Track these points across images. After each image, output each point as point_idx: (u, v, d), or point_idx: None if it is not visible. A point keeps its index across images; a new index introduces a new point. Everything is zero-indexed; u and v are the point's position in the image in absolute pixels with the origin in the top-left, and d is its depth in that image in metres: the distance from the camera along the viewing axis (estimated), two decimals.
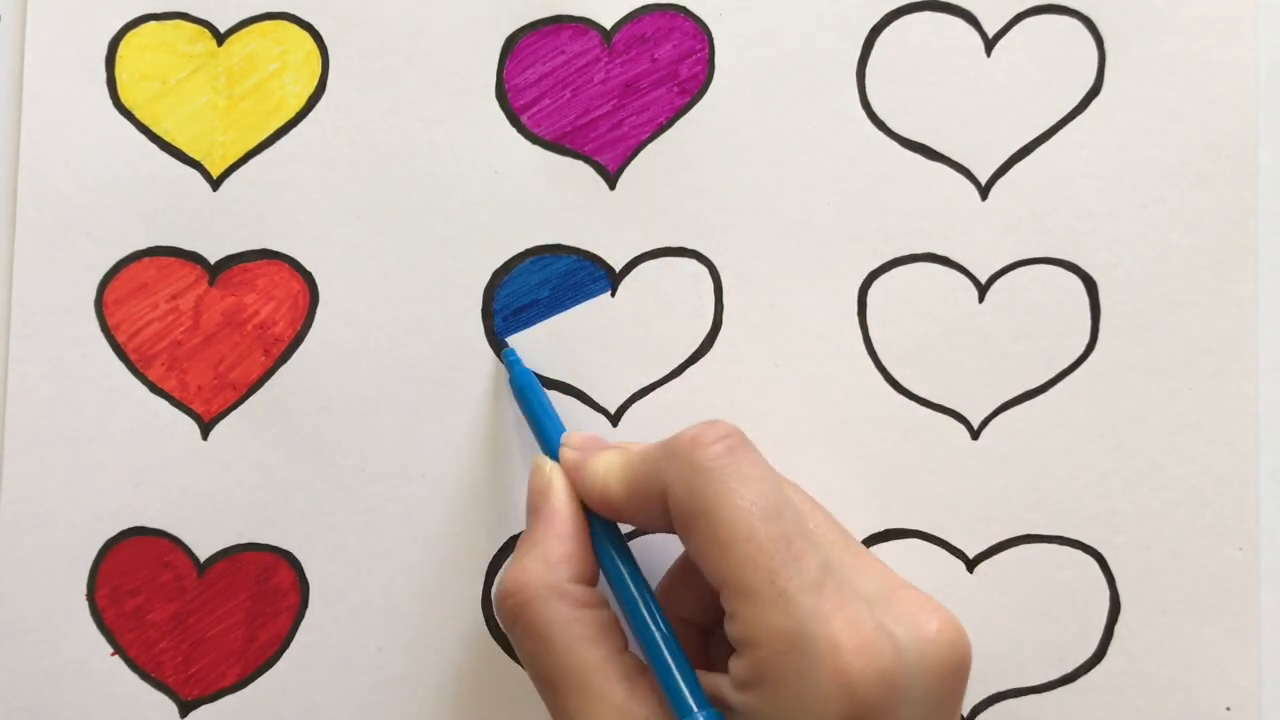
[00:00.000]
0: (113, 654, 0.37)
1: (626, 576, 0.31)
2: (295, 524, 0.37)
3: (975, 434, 0.36)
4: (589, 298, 0.37)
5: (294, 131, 0.38)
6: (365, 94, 0.38)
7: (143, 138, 0.38)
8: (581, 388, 0.37)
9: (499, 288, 0.37)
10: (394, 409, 0.37)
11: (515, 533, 0.37)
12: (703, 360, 0.37)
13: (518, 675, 0.36)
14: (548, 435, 0.34)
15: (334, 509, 0.37)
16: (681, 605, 0.32)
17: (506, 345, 0.36)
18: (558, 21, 0.37)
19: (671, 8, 0.37)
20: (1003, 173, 0.37)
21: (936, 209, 0.37)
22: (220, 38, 0.38)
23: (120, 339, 0.38)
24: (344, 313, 0.37)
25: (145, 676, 0.37)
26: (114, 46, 0.38)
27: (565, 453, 0.33)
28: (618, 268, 0.37)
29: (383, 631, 0.37)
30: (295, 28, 0.38)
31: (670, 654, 0.29)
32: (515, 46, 0.37)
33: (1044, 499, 0.36)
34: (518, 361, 0.36)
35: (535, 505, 0.32)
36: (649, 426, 0.37)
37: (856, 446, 0.36)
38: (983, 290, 0.36)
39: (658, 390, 0.37)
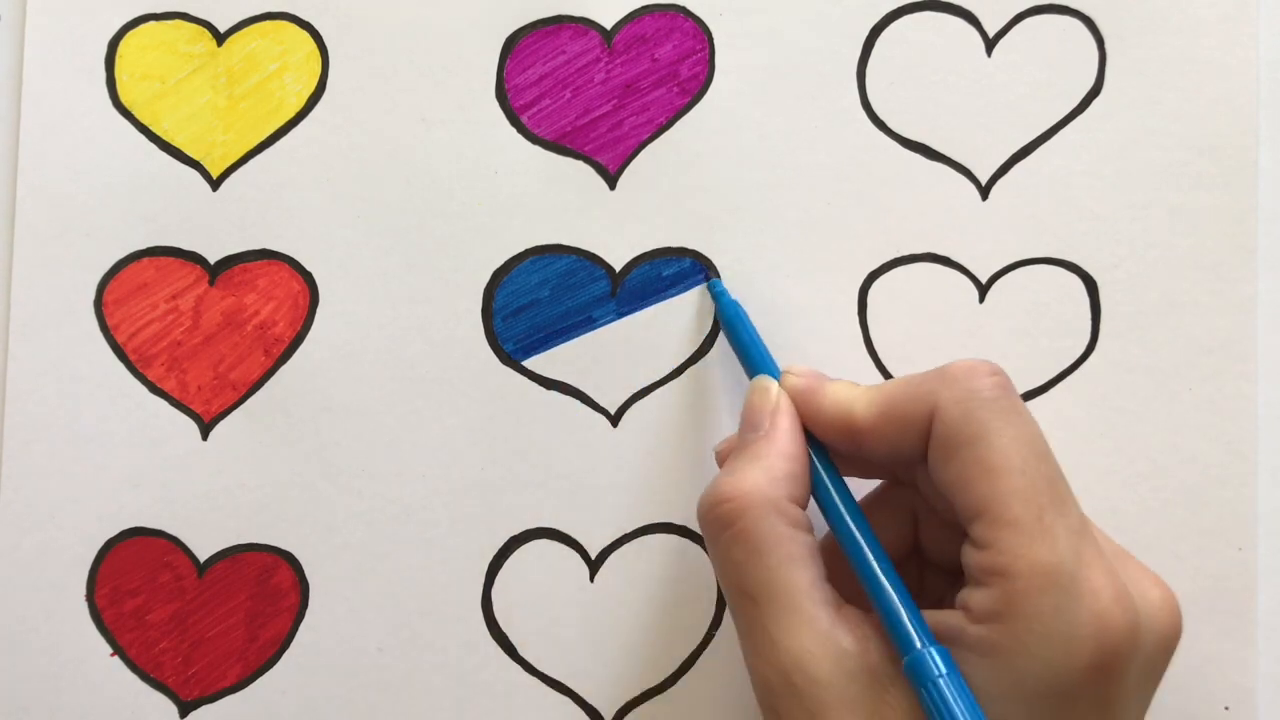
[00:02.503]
0: (112, 654, 0.37)
1: (844, 508, 0.30)
2: (295, 524, 0.37)
3: None
4: (589, 298, 0.37)
5: (294, 131, 0.38)
6: (365, 94, 0.38)
7: (142, 138, 0.38)
8: (581, 388, 0.37)
9: (499, 288, 0.37)
10: (394, 409, 0.37)
11: (515, 533, 0.37)
12: (703, 360, 0.37)
13: (518, 675, 0.36)
14: (764, 361, 0.33)
15: (334, 509, 0.37)
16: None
17: (712, 277, 0.36)
18: (558, 21, 0.37)
19: (671, 8, 0.37)
20: (1003, 173, 0.37)
21: (936, 209, 0.37)
22: (220, 38, 0.38)
23: (120, 339, 0.38)
24: (344, 313, 0.37)
25: (145, 677, 0.37)
26: (114, 46, 0.38)
27: (791, 379, 0.32)
28: (618, 268, 0.37)
29: (383, 631, 0.37)
30: (295, 28, 0.38)
31: (893, 586, 0.28)
32: (515, 46, 0.37)
33: None
34: (724, 293, 0.36)
35: (757, 422, 0.31)
36: (649, 426, 0.37)
37: None
38: (983, 290, 0.36)
39: (658, 390, 0.37)
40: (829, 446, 0.31)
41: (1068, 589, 0.26)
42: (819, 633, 0.27)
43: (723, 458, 0.33)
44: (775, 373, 0.33)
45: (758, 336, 0.35)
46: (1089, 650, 0.26)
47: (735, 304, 0.36)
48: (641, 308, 0.37)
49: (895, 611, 0.28)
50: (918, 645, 0.27)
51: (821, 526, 0.30)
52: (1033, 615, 0.26)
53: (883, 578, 0.28)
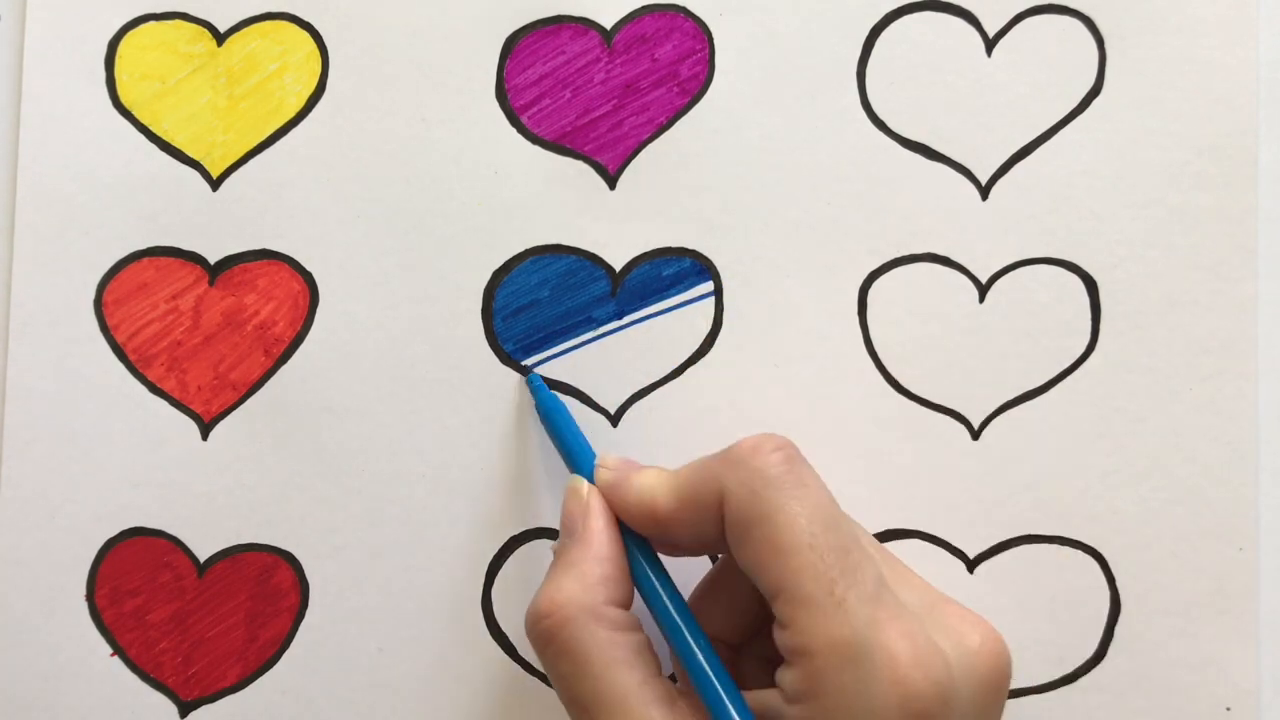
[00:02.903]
0: (112, 654, 0.37)
1: (665, 597, 0.30)
2: (295, 524, 0.37)
3: (975, 434, 0.36)
4: (589, 298, 0.37)
5: (294, 131, 0.38)
6: (365, 94, 0.38)
7: (142, 138, 0.38)
8: (581, 388, 0.37)
9: (499, 288, 0.37)
10: (394, 409, 0.37)
11: (515, 533, 0.37)
12: (703, 360, 0.37)
13: (518, 675, 0.36)
14: (579, 458, 0.33)
15: (334, 509, 0.37)
16: (710, 623, 0.32)
17: (530, 370, 0.36)
18: (558, 21, 0.37)
19: (671, 8, 0.37)
20: (1003, 173, 0.37)
21: (936, 209, 0.37)
22: (220, 38, 0.38)
23: (120, 339, 0.38)
24: (344, 313, 0.37)
25: (145, 677, 0.37)
26: (114, 46, 0.38)
27: (602, 473, 0.32)
28: (618, 268, 0.37)
29: (383, 631, 0.37)
30: (295, 28, 0.38)
31: (715, 674, 0.28)
32: (515, 46, 0.37)
33: (1044, 499, 0.36)
34: (542, 386, 0.36)
35: (571, 527, 0.31)
36: (649, 426, 0.37)
37: (856, 446, 0.36)
38: (983, 290, 0.36)
39: (658, 390, 0.37)
40: (645, 536, 0.31)
41: (864, 660, 0.26)
42: None
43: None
44: (590, 466, 0.33)
45: (577, 431, 0.35)
46: (896, 718, 0.26)
47: (553, 397, 0.36)
48: (641, 308, 0.37)
49: (715, 696, 0.28)
50: None
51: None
52: (835, 691, 0.26)
53: (703, 664, 0.29)
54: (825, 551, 0.27)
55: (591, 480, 0.32)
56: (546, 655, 0.29)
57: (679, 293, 0.37)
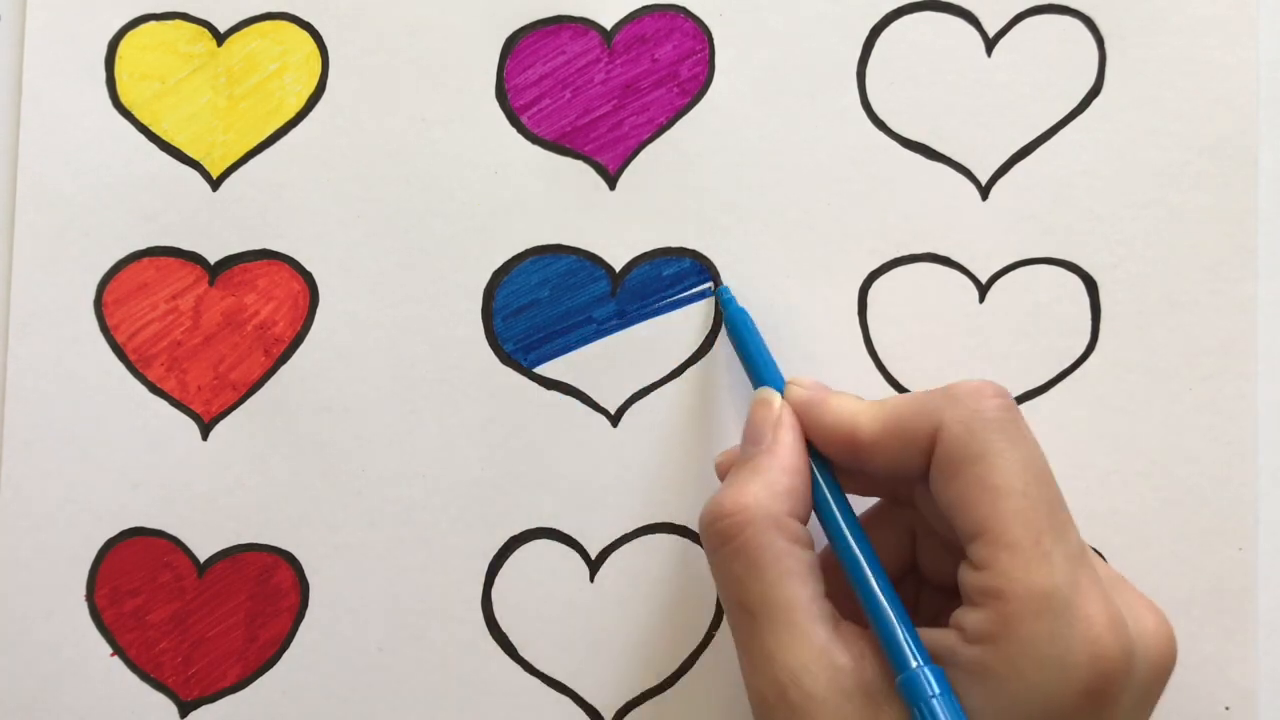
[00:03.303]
0: (112, 654, 0.37)
1: (844, 524, 0.30)
2: (295, 524, 0.37)
3: None
4: (589, 298, 0.37)
5: (294, 131, 0.38)
6: (365, 94, 0.38)
7: (142, 138, 0.38)
8: (581, 388, 0.37)
9: (499, 288, 0.37)
10: (394, 409, 0.37)
11: (515, 533, 0.37)
12: (703, 360, 0.37)
13: (518, 675, 0.36)
14: (769, 372, 0.33)
15: (334, 509, 0.37)
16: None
17: (720, 284, 0.36)
18: (558, 21, 0.37)
19: (671, 8, 0.37)
20: (1003, 173, 0.37)
21: (936, 209, 0.37)
22: (220, 38, 0.38)
23: (120, 339, 0.38)
24: (344, 313, 0.37)
25: (145, 677, 0.37)
26: (114, 46, 0.38)
27: (796, 390, 0.32)
28: (618, 268, 0.37)
29: (383, 631, 0.37)
30: (295, 28, 0.38)
31: (890, 604, 0.28)
32: (515, 46, 0.37)
33: None
34: (732, 300, 0.36)
35: (759, 435, 0.31)
36: (649, 426, 0.37)
37: None
38: (983, 290, 0.36)
39: (658, 390, 0.37)
40: (831, 460, 0.31)
41: (1062, 615, 0.26)
42: (815, 649, 0.28)
43: (723, 470, 0.33)
44: (780, 383, 0.33)
45: (764, 346, 0.34)
46: (1083, 677, 0.26)
47: (743, 312, 0.35)
48: (641, 307, 0.37)
49: (891, 629, 0.28)
50: (912, 664, 0.27)
51: (821, 541, 0.30)
52: (1027, 639, 0.26)
53: (880, 595, 0.28)
54: (1038, 501, 0.27)
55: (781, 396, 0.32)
56: (721, 553, 0.29)
57: (678, 293, 0.37)
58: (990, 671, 0.26)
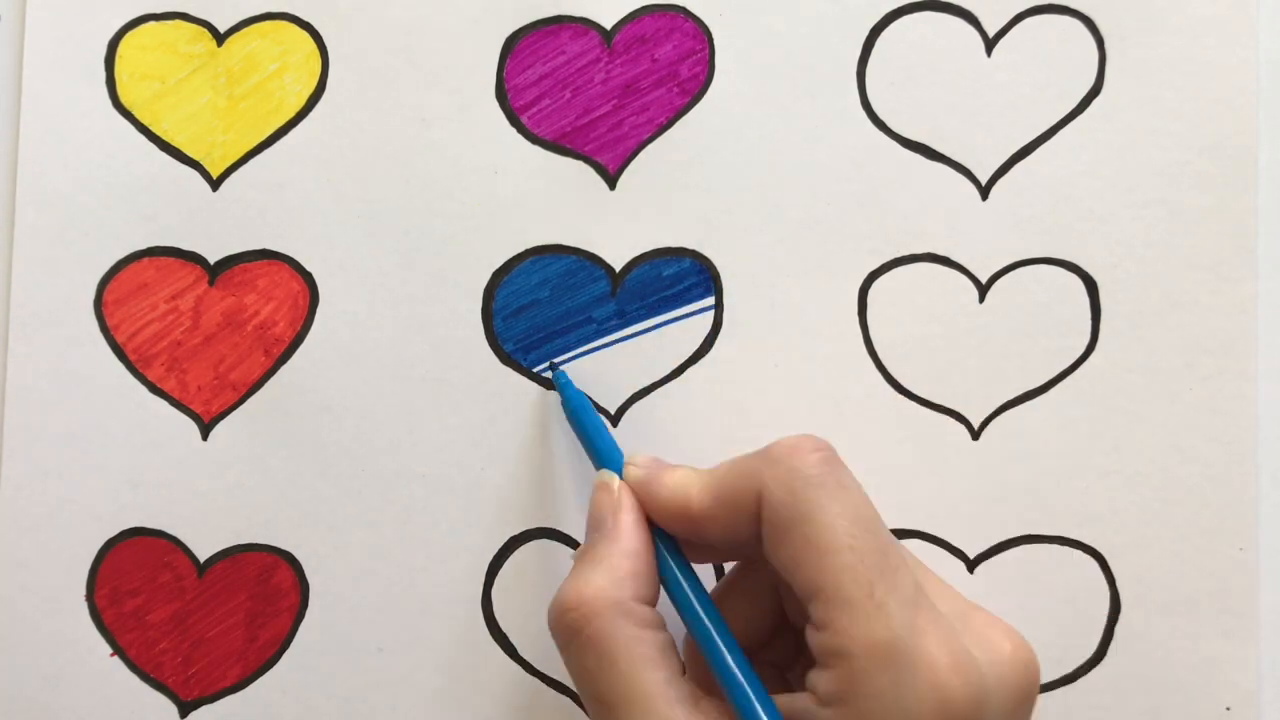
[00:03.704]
0: (112, 654, 0.37)
1: (693, 597, 0.30)
2: (295, 524, 0.37)
3: (975, 434, 0.36)
4: (589, 298, 0.37)
5: (294, 131, 0.38)
6: (365, 94, 0.38)
7: (142, 138, 0.38)
8: (582, 388, 0.37)
9: (499, 288, 0.37)
10: (394, 409, 0.37)
11: (515, 533, 0.37)
12: (703, 360, 0.37)
13: (518, 675, 0.36)
14: (607, 454, 0.33)
15: (334, 509, 0.37)
16: (730, 625, 0.32)
17: (557, 368, 0.36)
18: (558, 21, 0.37)
19: (671, 8, 0.37)
20: (1003, 173, 0.37)
21: (936, 209, 0.37)
22: (220, 38, 0.38)
23: (120, 339, 0.38)
24: (344, 313, 0.37)
25: (145, 677, 0.37)
26: (113, 46, 0.38)
27: (632, 470, 0.32)
28: (618, 268, 0.37)
29: (383, 631, 0.37)
30: (295, 28, 0.38)
31: (744, 675, 0.28)
32: (515, 46, 0.37)
33: (1044, 499, 0.36)
34: (569, 384, 0.36)
35: (599, 521, 0.31)
36: (649, 426, 0.37)
37: (856, 446, 0.36)
38: (983, 290, 0.36)
39: (658, 390, 0.37)
40: (674, 535, 0.31)
41: (903, 664, 0.26)
42: None
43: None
44: (619, 464, 0.33)
45: (603, 427, 0.34)
46: None
47: (580, 395, 0.35)
48: (641, 307, 0.37)
49: (747, 703, 0.27)
50: None
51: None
52: (872, 695, 0.26)
53: (731, 664, 0.28)
54: (865, 553, 0.27)
55: (620, 477, 0.32)
56: (571, 649, 0.29)
57: (678, 292, 0.37)
58: None
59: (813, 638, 0.27)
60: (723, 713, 0.28)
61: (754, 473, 0.29)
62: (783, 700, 0.28)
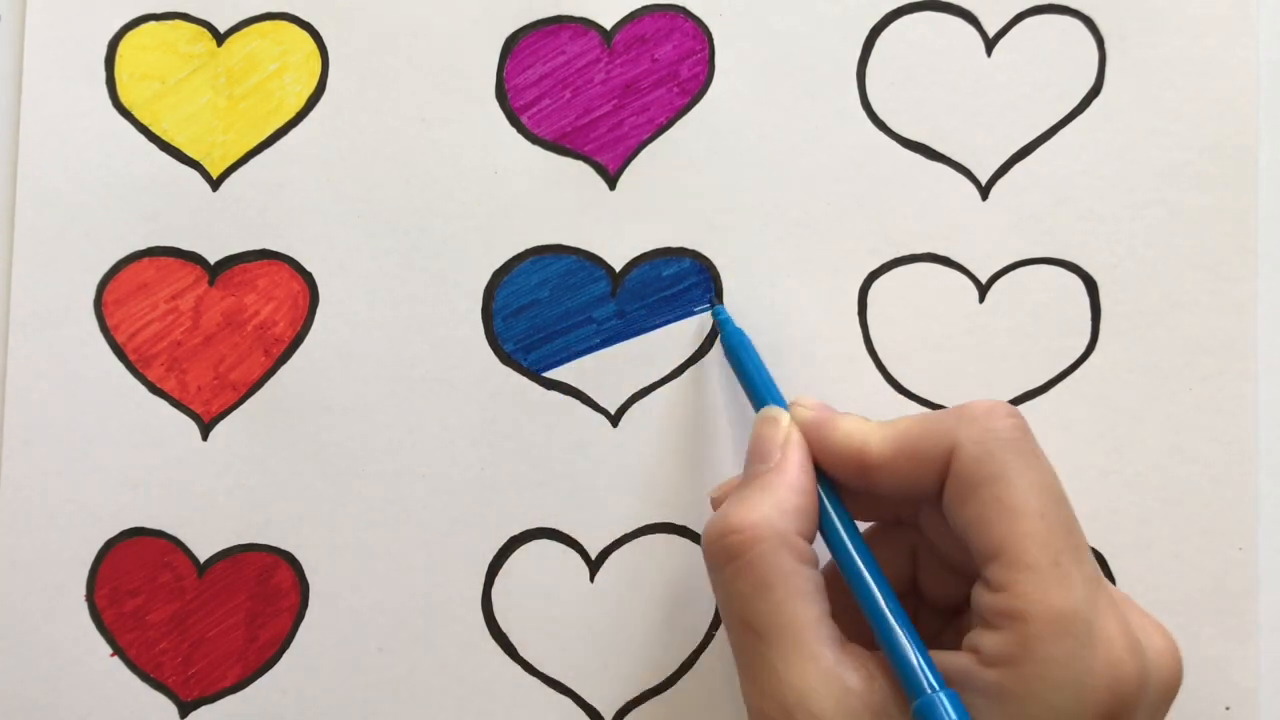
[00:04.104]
0: (112, 654, 0.37)
1: (853, 546, 0.30)
2: (295, 524, 0.37)
3: None
4: (589, 298, 0.37)
5: (294, 131, 0.38)
6: (365, 94, 0.38)
7: (142, 138, 0.38)
8: (581, 388, 0.37)
9: (499, 288, 0.37)
10: (394, 409, 0.37)
11: (515, 533, 0.37)
12: (703, 360, 0.37)
13: (518, 675, 0.36)
14: (771, 392, 0.33)
15: (334, 509, 0.37)
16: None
17: (716, 304, 0.36)
18: (558, 21, 0.37)
19: (671, 8, 0.37)
20: (1003, 173, 0.37)
21: (936, 209, 0.37)
22: (220, 38, 0.38)
23: (120, 339, 0.38)
24: (344, 313, 0.37)
25: (145, 677, 0.37)
26: (113, 46, 0.38)
27: (801, 411, 0.31)
28: (618, 268, 0.37)
29: (383, 631, 0.37)
30: (295, 28, 0.38)
31: (902, 628, 0.28)
32: (515, 46, 0.37)
33: None
34: (729, 320, 0.35)
35: (766, 453, 0.31)
36: (649, 426, 0.37)
37: None
38: (983, 290, 0.36)
39: (658, 390, 0.37)
40: (838, 482, 0.31)
41: (1083, 636, 0.26)
42: (824, 670, 0.27)
43: (718, 502, 0.32)
44: (782, 403, 0.32)
45: (763, 366, 0.34)
46: (1102, 699, 0.25)
47: (740, 332, 0.35)
48: (641, 307, 0.37)
49: (904, 653, 0.27)
50: (928, 689, 0.26)
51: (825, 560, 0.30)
52: (1047, 661, 0.26)
53: (892, 618, 0.28)
54: (1055, 522, 0.27)
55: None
56: (726, 571, 0.29)
57: (677, 292, 0.37)
58: (1008, 695, 0.26)
59: (985, 599, 0.27)
60: (868, 659, 0.28)
61: (947, 428, 0.28)
62: (939, 656, 0.27)
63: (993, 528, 0.27)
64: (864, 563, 0.29)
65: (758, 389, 0.34)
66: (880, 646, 0.28)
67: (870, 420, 0.31)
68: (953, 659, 0.27)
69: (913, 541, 0.32)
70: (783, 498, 0.29)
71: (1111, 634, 0.26)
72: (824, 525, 0.30)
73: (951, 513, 0.28)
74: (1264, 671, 0.35)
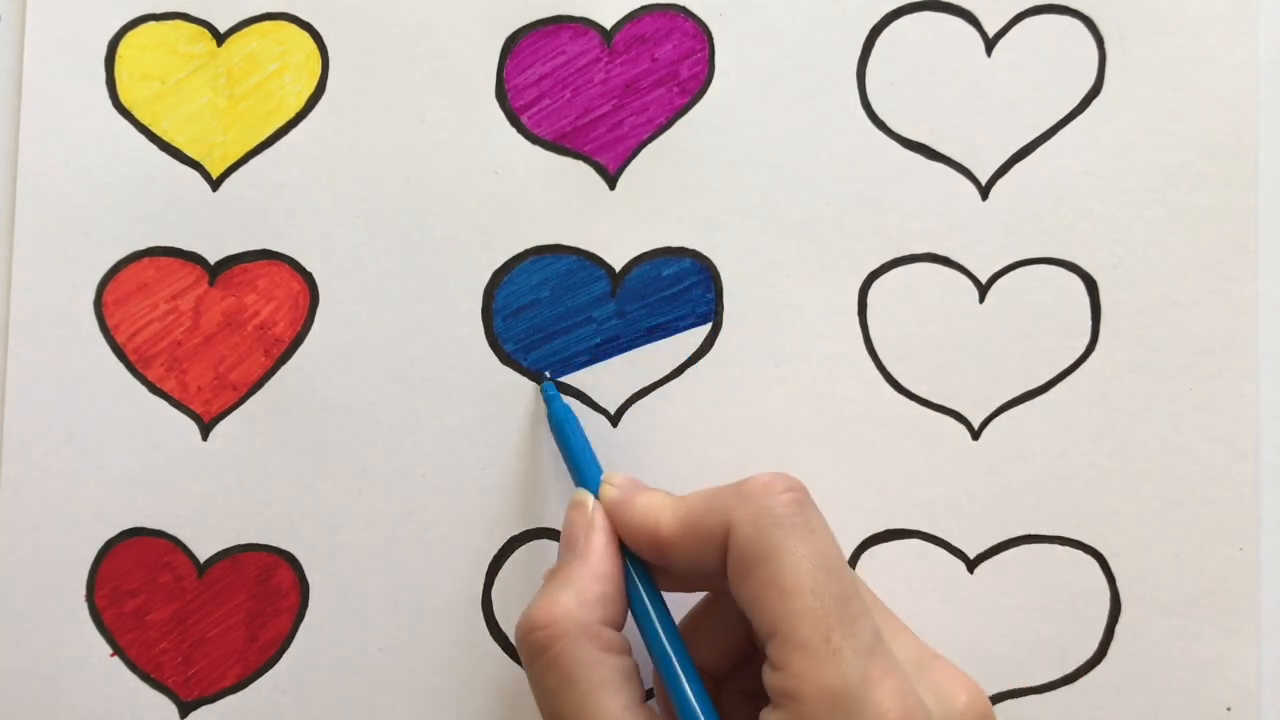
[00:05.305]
0: (112, 655, 0.37)
1: (658, 623, 0.30)
2: (295, 524, 0.37)
3: (975, 434, 0.36)
4: (589, 298, 0.37)
5: (294, 131, 0.38)
6: (365, 94, 0.38)
7: (142, 138, 0.38)
8: (581, 388, 0.37)
9: (499, 288, 0.37)
10: (394, 409, 0.37)
11: (515, 533, 0.37)
12: (703, 360, 0.37)
13: (517, 675, 0.36)
14: (586, 472, 0.33)
15: (334, 509, 0.37)
16: (696, 652, 0.32)
17: (546, 378, 0.36)
18: (558, 21, 0.37)
19: (671, 8, 0.37)
20: (1003, 173, 0.37)
21: (936, 209, 0.37)
22: (220, 38, 0.38)
23: (120, 339, 0.38)
24: (344, 313, 0.37)
25: (145, 677, 0.37)
26: (113, 46, 0.38)
27: (608, 490, 0.32)
28: (618, 268, 0.37)
29: (383, 631, 0.37)
30: (295, 28, 0.38)
31: (701, 708, 0.28)
32: (515, 46, 0.37)
33: (1044, 499, 0.36)
34: (556, 396, 0.36)
35: (571, 540, 0.31)
36: (649, 426, 0.37)
37: (856, 446, 0.36)
38: (983, 290, 0.36)
39: (658, 390, 0.37)
40: (643, 560, 0.31)
41: (853, 711, 0.26)
42: None
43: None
44: (596, 482, 0.33)
45: (586, 444, 0.34)
46: None
47: (566, 409, 0.35)
48: (641, 307, 0.37)
49: None
50: None
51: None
52: None
53: (690, 697, 0.28)
54: (826, 598, 0.27)
55: (596, 496, 0.32)
56: (535, 667, 0.29)
57: (678, 293, 0.37)
58: None
59: (768, 677, 0.27)
60: None
61: (724, 506, 0.29)
62: None
63: (768, 606, 0.27)
64: (666, 641, 0.30)
65: (576, 467, 0.34)
66: None
67: (670, 496, 0.31)
68: None
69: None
70: (584, 587, 0.30)
71: (885, 709, 0.26)
72: (633, 607, 0.31)
73: (734, 590, 0.29)
74: (1264, 671, 0.35)
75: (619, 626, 0.30)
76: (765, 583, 0.27)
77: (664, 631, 0.30)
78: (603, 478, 0.33)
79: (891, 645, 0.28)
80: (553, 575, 0.31)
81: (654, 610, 0.30)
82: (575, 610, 0.29)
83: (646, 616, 0.30)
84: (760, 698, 0.29)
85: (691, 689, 0.29)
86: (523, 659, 0.30)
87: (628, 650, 0.30)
